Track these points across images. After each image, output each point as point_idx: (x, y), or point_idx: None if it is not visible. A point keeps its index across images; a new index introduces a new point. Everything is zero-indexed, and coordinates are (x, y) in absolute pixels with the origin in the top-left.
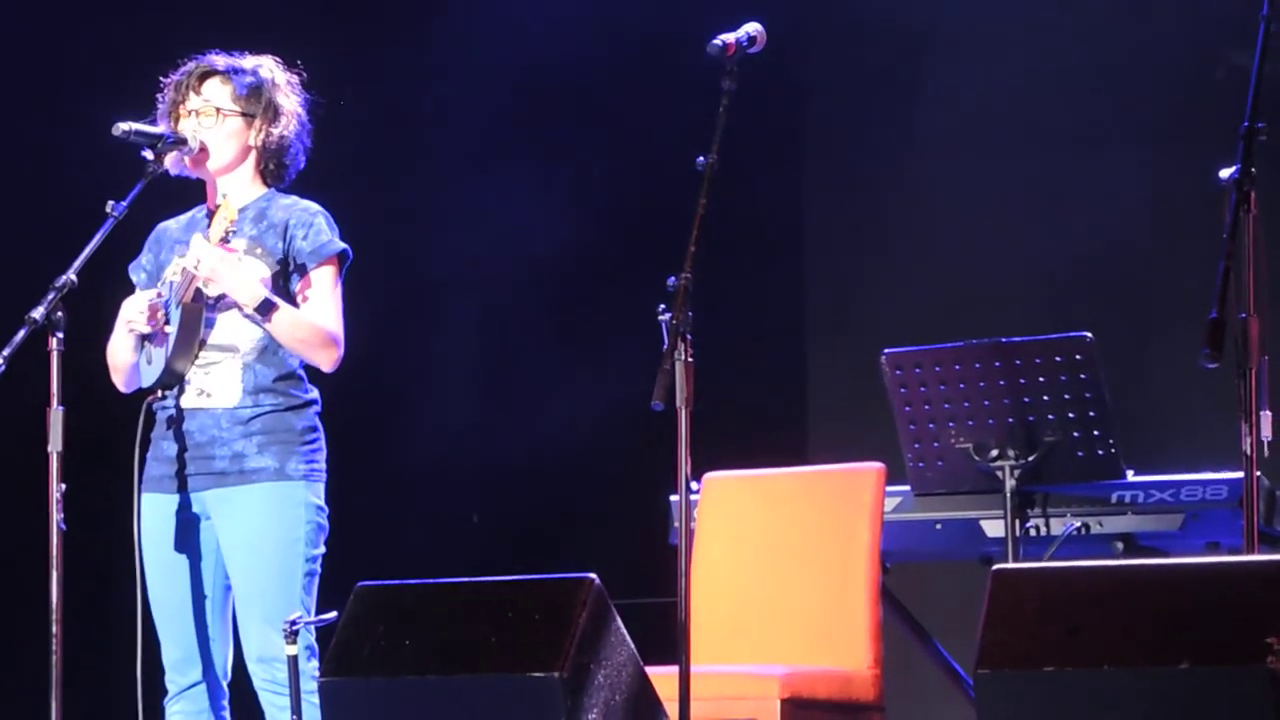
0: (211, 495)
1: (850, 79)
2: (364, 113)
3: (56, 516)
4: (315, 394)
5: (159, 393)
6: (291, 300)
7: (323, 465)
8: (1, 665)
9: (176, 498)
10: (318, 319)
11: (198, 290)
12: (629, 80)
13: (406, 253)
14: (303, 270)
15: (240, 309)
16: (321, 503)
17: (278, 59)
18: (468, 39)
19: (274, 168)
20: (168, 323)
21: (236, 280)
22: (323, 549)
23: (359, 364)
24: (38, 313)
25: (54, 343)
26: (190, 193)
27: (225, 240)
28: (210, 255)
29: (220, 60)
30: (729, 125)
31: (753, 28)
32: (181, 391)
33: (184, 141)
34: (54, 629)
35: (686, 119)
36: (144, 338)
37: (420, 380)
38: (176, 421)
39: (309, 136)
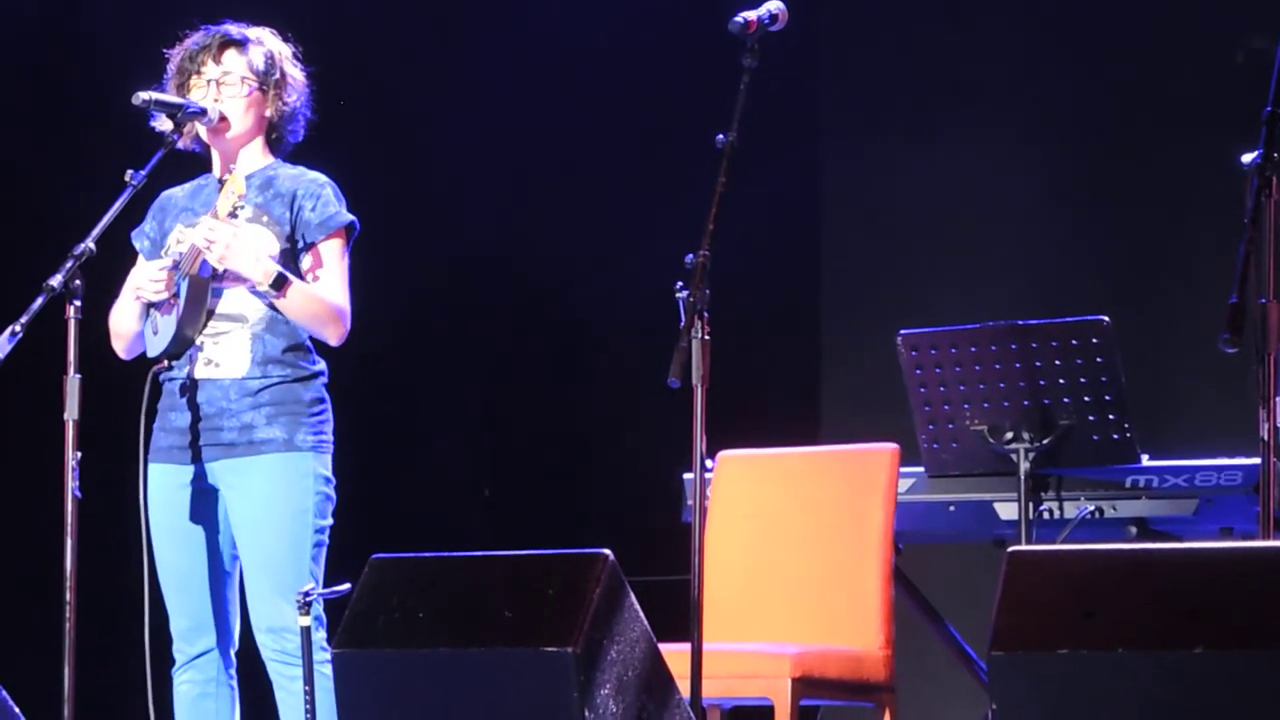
0: (220, 466)
1: (869, 59)
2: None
3: (71, 484)
4: (322, 365)
5: (166, 362)
6: (299, 272)
7: (330, 436)
8: (15, 632)
9: (188, 469)
10: (327, 294)
11: (204, 263)
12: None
13: (421, 231)
14: (311, 242)
15: (252, 286)
16: (329, 474)
17: (273, 30)
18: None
19: (278, 137)
20: (176, 292)
21: (249, 258)
22: (331, 520)
23: (373, 336)
24: (56, 280)
25: (71, 311)
26: (190, 160)
27: (233, 215)
28: (223, 236)
29: (235, 30)
30: (748, 103)
31: (774, 5)
32: (190, 361)
33: (204, 111)
34: (68, 596)
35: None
36: (149, 306)
37: (434, 352)
38: (186, 392)
39: (309, 108)
